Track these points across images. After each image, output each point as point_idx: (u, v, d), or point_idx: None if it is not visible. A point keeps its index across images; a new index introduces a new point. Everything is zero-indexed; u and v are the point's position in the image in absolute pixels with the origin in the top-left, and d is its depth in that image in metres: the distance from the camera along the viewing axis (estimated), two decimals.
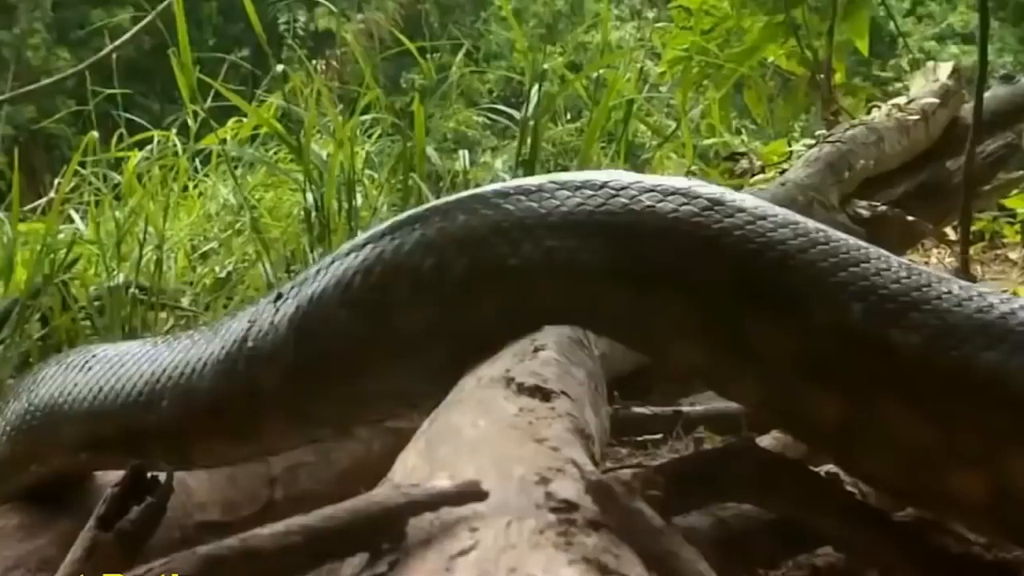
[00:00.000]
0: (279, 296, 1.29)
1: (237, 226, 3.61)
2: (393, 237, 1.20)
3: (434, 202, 1.26)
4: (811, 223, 1.14)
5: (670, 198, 1.13)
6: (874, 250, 1.13)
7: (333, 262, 1.25)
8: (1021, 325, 1.04)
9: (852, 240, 1.13)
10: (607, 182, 1.17)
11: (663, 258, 1.11)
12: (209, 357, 1.31)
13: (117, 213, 3.29)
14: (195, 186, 3.97)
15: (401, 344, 1.19)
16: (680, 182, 1.17)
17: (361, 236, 1.27)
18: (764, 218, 1.11)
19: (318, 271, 1.26)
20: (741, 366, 1.11)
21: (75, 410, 1.42)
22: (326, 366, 1.23)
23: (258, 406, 1.27)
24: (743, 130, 6.51)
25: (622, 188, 1.15)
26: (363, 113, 3.40)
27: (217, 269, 3.43)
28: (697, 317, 1.11)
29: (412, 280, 1.17)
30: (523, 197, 1.17)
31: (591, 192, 1.15)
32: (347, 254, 1.24)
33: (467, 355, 1.14)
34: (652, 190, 1.14)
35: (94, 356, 1.47)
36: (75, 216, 3.48)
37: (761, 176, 3.49)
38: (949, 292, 1.08)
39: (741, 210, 1.12)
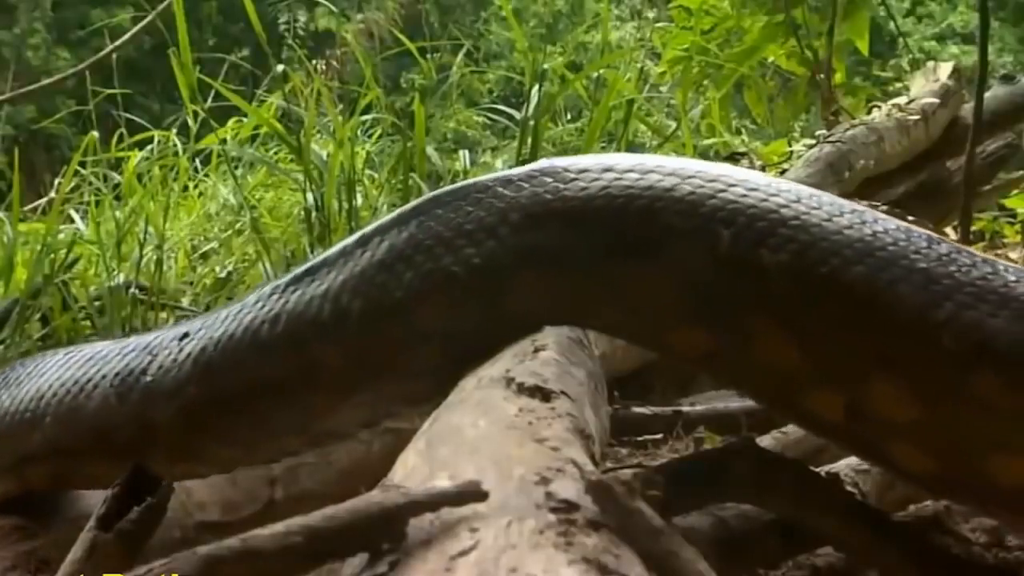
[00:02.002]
0: (185, 335, 1.30)
1: (237, 226, 3.61)
2: (296, 288, 1.24)
3: (331, 250, 1.30)
4: (678, 162, 1.15)
5: (534, 182, 1.15)
6: (743, 172, 1.14)
7: (242, 310, 1.28)
8: (894, 243, 1.03)
9: (722, 167, 1.14)
10: (473, 186, 1.20)
11: (532, 242, 1.13)
12: (101, 380, 1.32)
13: (117, 213, 3.29)
14: (195, 186, 3.97)
15: (310, 385, 1.22)
16: (543, 164, 1.19)
17: (267, 287, 1.30)
18: (631, 171, 1.13)
19: (226, 316, 1.29)
20: (618, 318, 1.14)
21: None
22: (231, 407, 1.26)
23: (146, 438, 1.28)
24: (743, 130, 6.50)
25: (486, 189, 1.18)
26: (363, 113, 3.41)
27: (217, 269, 3.43)
28: (569, 288, 1.13)
29: (315, 327, 1.20)
30: (402, 227, 1.20)
31: (461, 202, 1.18)
32: (255, 303, 1.27)
33: (374, 392, 1.20)
34: (513, 181, 1.17)
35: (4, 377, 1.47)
36: (75, 216, 3.48)
37: None
38: (819, 207, 1.07)
39: (608, 169, 1.14)
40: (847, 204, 1.10)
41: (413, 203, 1.26)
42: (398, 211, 1.26)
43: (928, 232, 1.08)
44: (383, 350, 1.19)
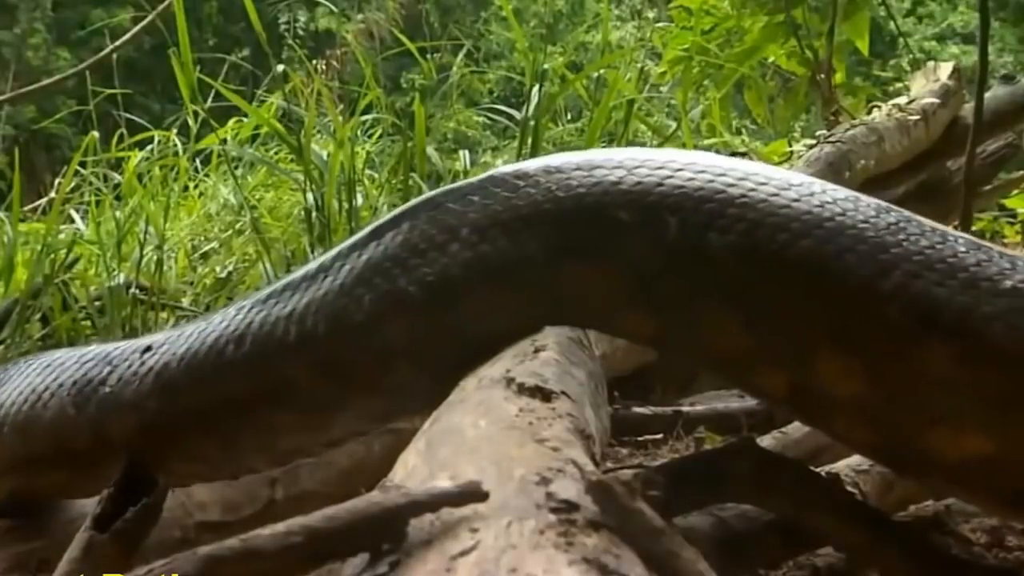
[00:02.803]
0: (147, 348, 1.30)
1: (237, 226, 3.61)
2: (261, 310, 1.24)
3: (294, 274, 1.30)
4: (625, 153, 1.15)
5: (484, 194, 1.16)
6: (690, 155, 1.13)
7: (207, 328, 1.28)
8: (842, 213, 1.02)
9: (671, 152, 1.14)
10: (425, 203, 1.21)
11: (483, 255, 1.13)
12: (58, 389, 1.32)
13: (117, 213, 3.29)
14: (195, 186, 3.97)
15: (276, 405, 1.22)
16: (493, 173, 1.20)
17: (232, 307, 1.31)
18: (578, 169, 1.13)
19: (191, 333, 1.29)
20: (568, 313, 1.14)
21: None
22: (195, 424, 1.26)
23: (104, 448, 1.28)
24: (743, 130, 6.51)
25: (438, 206, 1.19)
26: (363, 113, 3.40)
27: (217, 269, 3.43)
28: (522, 297, 1.13)
29: (281, 347, 1.21)
30: (361, 251, 1.22)
31: (416, 221, 1.19)
32: (219, 322, 1.27)
33: (342, 411, 1.21)
34: (464, 196, 1.18)
35: None
36: (75, 216, 3.49)
37: None
38: (767, 182, 1.06)
39: (555, 171, 1.14)
40: (796, 177, 1.09)
41: (369, 227, 1.27)
42: (354, 237, 1.27)
43: (877, 200, 1.07)
44: (350, 370, 1.20)
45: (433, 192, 1.25)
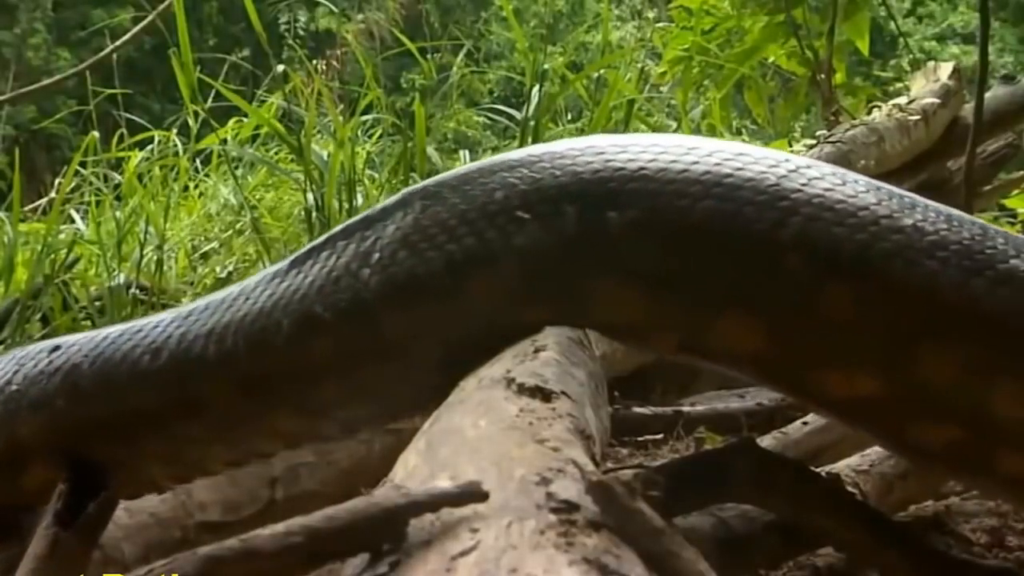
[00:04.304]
0: (56, 348, 1.29)
1: (238, 226, 3.61)
2: (180, 325, 1.24)
3: (215, 296, 1.30)
4: (524, 152, 1.14)
5: (394, 217, 1.16)
6: (587, 140, 1.12)
7: (122, 335, 1.26)
8: (741, 168, 1.01)
9: (569, 141, 1.14)
10: (342, 232, 1.22)
11: (391, 277, 1.13)
12: None
13: (118, 213, 3.29)
14: (195, 186, 3.97)
15: (188, 419, 1.22)
16: (412, 191, 1.20)
17: (151, 321, 1.29)
18: (478, 178, 1.13)
19: (105, 338, 1.27)
20: (478, 325, 1.12)
21: None
22: (103, 428, 1.25)
23: (16, 451, 1.27)
24: (744, 130, 6.51)
25: (352, 234, 1.19)
26: (364, 113, 3.41)
27: (218, 269, 3.43)
28: (431, 314, 1.13)
29: (198, 364, 1.20)
30: (279, 279, 1.22)
31: (331, 250, 1.19)
32: (136, 332, 1.26)
33: (255, 430, 1.22)
34: (375, 221, 1.18)
35: None
36: (76, 216, 3.49)
37: None
38: (665, 151, 1.05)
39: (460, 184, 1.14)
40: (696, 140, 1.08)
41: (290, 257, 1.26)
42: (276, 266, 1.27)
43: (777, 151, 1.06)
44: (261, 389, 1.20)
45: (348, 221, 1.26)
